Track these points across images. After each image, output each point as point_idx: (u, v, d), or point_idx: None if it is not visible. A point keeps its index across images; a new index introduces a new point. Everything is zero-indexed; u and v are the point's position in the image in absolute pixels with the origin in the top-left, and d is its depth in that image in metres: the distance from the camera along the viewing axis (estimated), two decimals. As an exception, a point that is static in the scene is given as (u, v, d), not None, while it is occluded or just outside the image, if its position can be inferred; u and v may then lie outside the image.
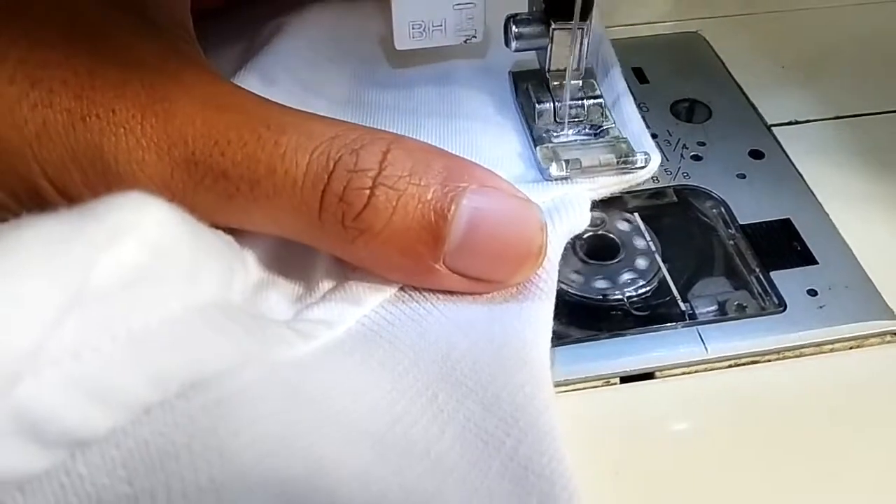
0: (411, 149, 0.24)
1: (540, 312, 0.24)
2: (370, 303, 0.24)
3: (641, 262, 0.29)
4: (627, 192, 0.31)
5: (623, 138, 0.30)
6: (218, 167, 0.23)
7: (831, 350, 0.27)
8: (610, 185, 0.28)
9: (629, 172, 0.28)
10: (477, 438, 0.21)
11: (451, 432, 0.21)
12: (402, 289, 0.25)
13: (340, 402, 0.21)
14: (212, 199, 0.23)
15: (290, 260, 0.26)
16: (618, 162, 0.28)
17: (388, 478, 0.20)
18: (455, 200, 0.23)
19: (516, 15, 0.31)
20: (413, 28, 0.30)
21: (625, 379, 0.26)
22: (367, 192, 0.23)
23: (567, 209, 0.26)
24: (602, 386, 0.26)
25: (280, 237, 0.25)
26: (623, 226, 0.30)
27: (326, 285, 0.25)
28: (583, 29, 0.29)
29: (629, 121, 0.31)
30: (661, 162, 0.30)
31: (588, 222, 0.27)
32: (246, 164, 0.23)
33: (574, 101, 0.31)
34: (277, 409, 0.20)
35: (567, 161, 0.28)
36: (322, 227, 0.23)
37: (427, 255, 0.23)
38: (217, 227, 0.25)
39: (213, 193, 0.23)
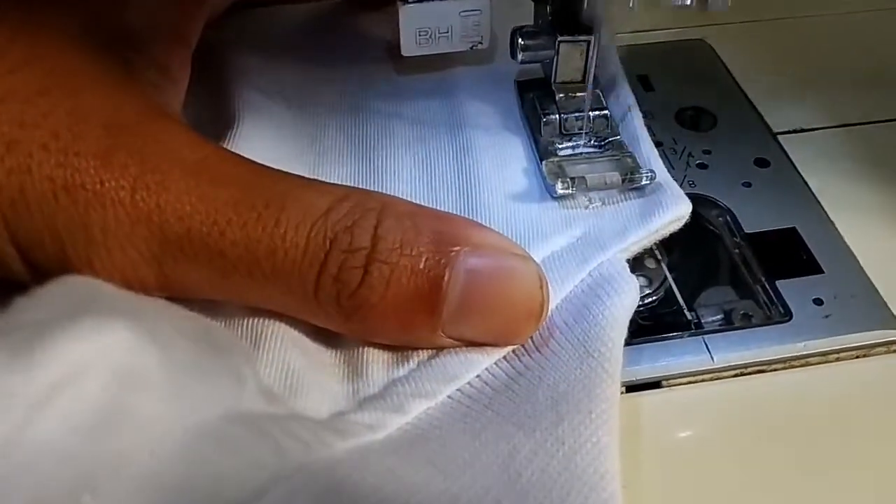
0: (401, 215, 0.23)
1: (610, 408, 0.22)
2: (414, 410, 0.23)
3: (647, 272, 0.29)
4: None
5: (628, 152, 0.30)
6: (215, 246, 0.22)
7: (837, 359, 0.27)
8: (641, 240, 0.27)
9: (652, 217, 0.28)
10: None
11: None
12: (449, 395, 0.23)
13: (387, 502, 0.19)
14: (205, 275, 0.22)
15: (321, 358, 0.25)
16: (623, 180, 0.28)
17: None
18: (448, 267, 0.22)
19: (523, 27, 0.31)
20: (420, 35, 0.30)
21: (631, 388, 0.26)
22: (362, 270, 0.22)
23: (613, 284, 0.25)
24: (609, 395, 0.26)
25: (305, 324, 0.24)
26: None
27: (364, 392, 0.24)
28: (589, 42, 0.30)
29: (643, 149, 0.30)
30: (666, 169, 0.30)
31: (639, 294, 0.25)
32: (245, 245, 0.22)
33: (579, 114, 0.31)
34: None
35: (573, 179, 0.28)
36: (317, 304, 0.23)
37: (424, 324, 0.23)
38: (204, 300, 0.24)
39: (206, 270, 0.22)
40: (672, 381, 0.26)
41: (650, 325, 0.28)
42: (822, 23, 0.41)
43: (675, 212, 0.28)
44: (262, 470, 0.19)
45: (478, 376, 0.23)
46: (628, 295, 0.25)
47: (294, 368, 0.23)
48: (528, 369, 0.23)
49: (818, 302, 0.28)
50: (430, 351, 0.24)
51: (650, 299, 0.28)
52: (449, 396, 0.23)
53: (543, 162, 0.29)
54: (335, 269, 0.22)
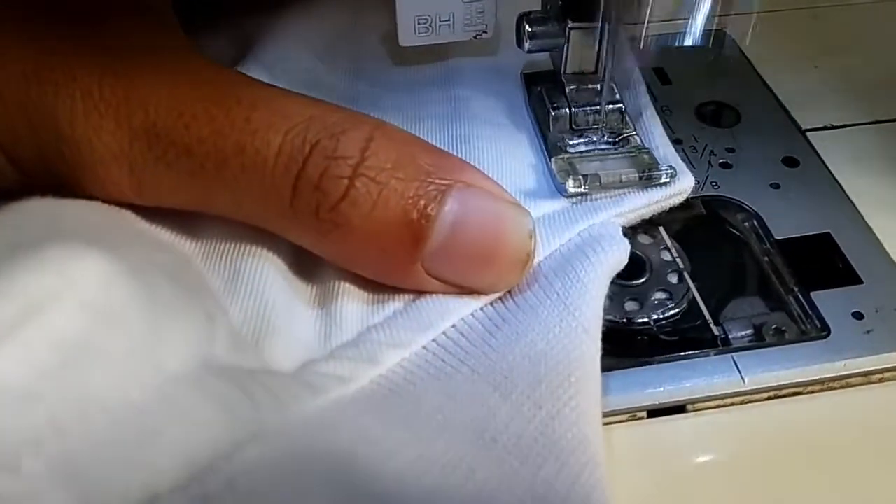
0: (396, 139, 0.22)
1: (590, 372, 0.21)
2: (388, 361, 0.22)
3: (668, 282, 0.27)
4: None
5: (645, 148, 0.28)
6: (181, 142, 0.21)
7: (880, 380, 0.25)
8: (639, 208, 0.26)
9: (653, 188, 0.26)
10: None
11: None
12: (424, 346, 0.22)
13: (360, 469, 0.18)
14: (173, 175, 0.22)
15: (295, 299, 0.24)
16: (640, 177, 0.26)
17: None
18: (440, 199, 0.22)
19: (530, 13, 0.29)
20: (419, 23, 0.28)
21: (653, 412, 0.24)
22: (347, 181, 0.21)
23: (602, 243, 0.24)
24: (627, 420, 0.24)
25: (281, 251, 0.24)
26: (647, 241, 0.28)
27: (338, 339, 0.23)
28: (603, 28, 0.28)
29: (655, 139, 0.29)
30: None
31: (628, 254, 0.25)
32: (212, 141, 0.21)
33: (591, 107, 0.29)
34: (283, 483, 0.17)
35: (585, 176, 0.26)
36: (294, 217, 0.22)
37: (405, 255, 0.22)
38: (179, 209, 0.23)
39: (174, 170, 0.22)
40: (698, 405, 0.24)
41: (672, 342, 0.26)
42: (853, 11, 0.40)
43: (677, 185, 0.27)
44: (239, 424, 0.18)
45: (454, 326, 0.23)
46: (615, 254, 0.24)
47: (269, 304, 0.23)
48: (506, 322, 0.23)
49: (858, 316, 0.26)
50: (406, 297, 0.24)
51: (671, 312, 0.26)
52: (424, 347, 0.22)
53: (553, 159, 0.28)
54: (316, 176, 0.21)
